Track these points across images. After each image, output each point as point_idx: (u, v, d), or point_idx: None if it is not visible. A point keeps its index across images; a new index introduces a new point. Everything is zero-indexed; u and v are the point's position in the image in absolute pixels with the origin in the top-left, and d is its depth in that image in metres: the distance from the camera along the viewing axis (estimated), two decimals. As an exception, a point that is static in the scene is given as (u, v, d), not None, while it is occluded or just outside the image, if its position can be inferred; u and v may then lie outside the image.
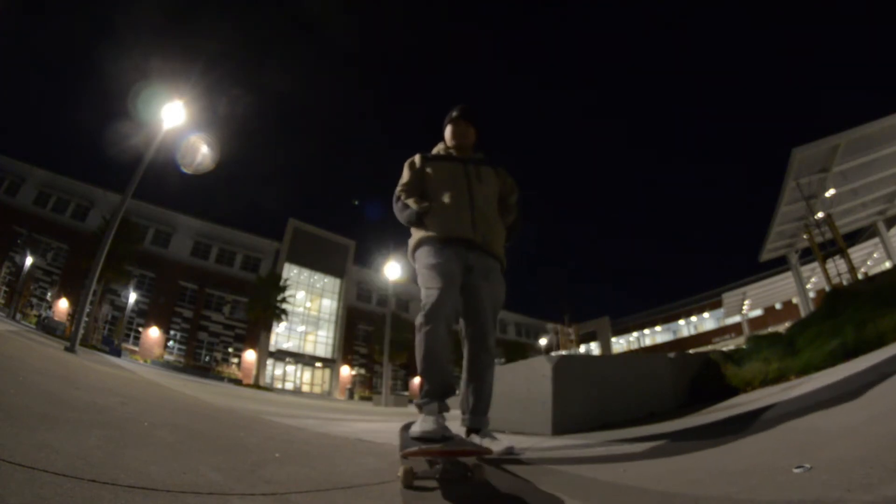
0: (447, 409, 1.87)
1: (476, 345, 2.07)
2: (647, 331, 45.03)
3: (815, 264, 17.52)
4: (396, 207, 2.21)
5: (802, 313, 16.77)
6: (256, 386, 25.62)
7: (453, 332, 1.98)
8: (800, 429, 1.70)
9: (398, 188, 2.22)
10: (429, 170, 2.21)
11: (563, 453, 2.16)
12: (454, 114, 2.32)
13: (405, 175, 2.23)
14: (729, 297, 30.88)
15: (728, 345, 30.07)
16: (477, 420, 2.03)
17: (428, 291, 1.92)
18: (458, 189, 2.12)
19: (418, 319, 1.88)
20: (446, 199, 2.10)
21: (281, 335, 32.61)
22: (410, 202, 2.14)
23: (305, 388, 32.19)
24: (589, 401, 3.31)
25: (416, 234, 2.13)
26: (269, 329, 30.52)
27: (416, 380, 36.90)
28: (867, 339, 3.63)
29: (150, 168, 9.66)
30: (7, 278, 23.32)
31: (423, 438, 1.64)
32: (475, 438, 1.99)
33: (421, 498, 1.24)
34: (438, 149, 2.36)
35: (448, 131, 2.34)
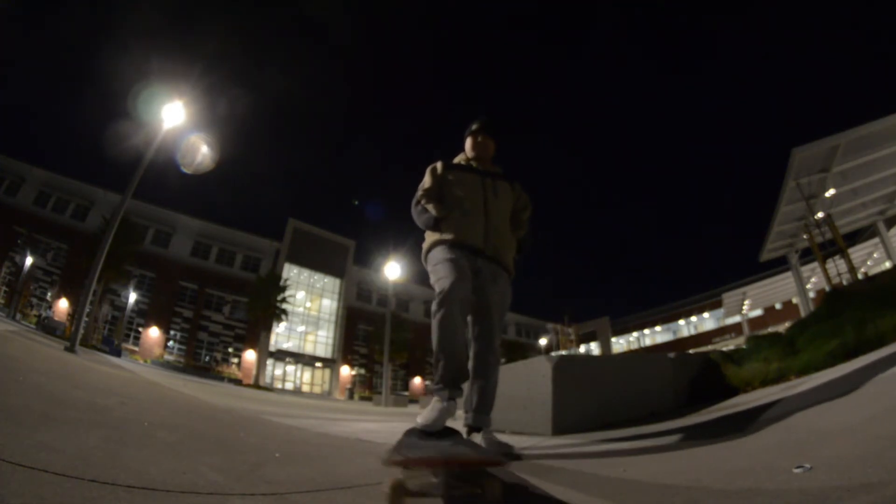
0: (461, 394, 1.91)
1: (483, 345, 2.11)
2: (647, 331, 45.01)
3: (815, 264, 17.52)
4: (415, 210, 2.29)
5: (802, 313, 16.77)
6: (256, 386, 25.61)
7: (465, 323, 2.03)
8: (800, 428, 1.70)
9: (419, 192, 2.29)
10: (449, 177, 2.29)
11: (563, 453, 2.16)
12: (474, 126, 2.41)
13: (427, 180, 2.31)
14: (729, 297, 30.89)
15: (728, 345, 30.08)
16: (479, 419, 2.04)
17: (441, 281, 1.97)
18: (474, 200, 2.20)
19: (433, 307, 1.94)
20: (463, 208, 2.18)
21: (281, 335, 32.60)
22: (430, 207, 2.22)
23: (305, 388, 32.18)
24: (589, 401, 3.31)
25: (431, 238, 2.20)
26: (269, 329, 30.51)
27: (417, 380, 36.89)
28: (867, 339, 3.63)
29: (150, 168, 9.66)
30: (7, 278, 23.31)
31: (424, 431, 1.64)
32: (476, 437, 1.99)
33: (421, 497, 1.24)
34: (459, 158, 2.45)
35: (468, 143, 2.43)
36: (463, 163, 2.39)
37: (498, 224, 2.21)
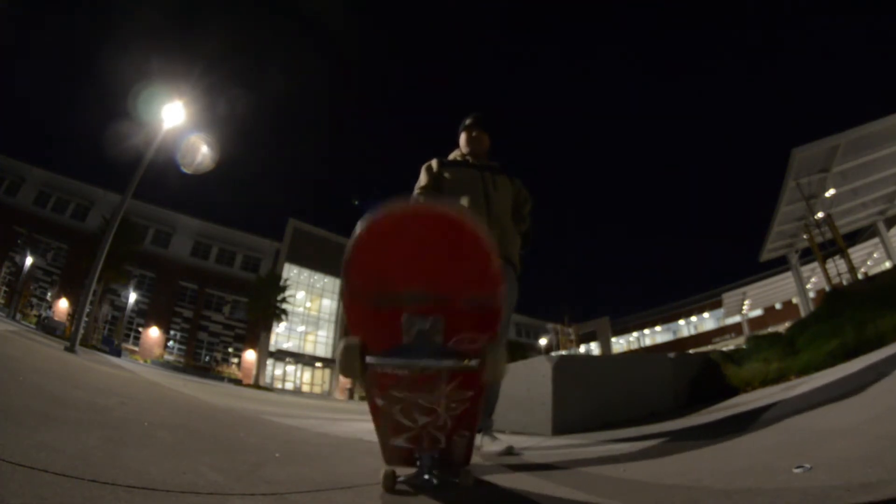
0: None
1: None
2: (647, 331, 44.98)
3: (815, 264, 17.51)
4: None
5: (802, 313, 16.76)
6: (256, 386, 25.61)
7: None
8: (800, 429, 1.70)
9: (416, 191, 2.25)
10: (446, 174, 2.25)
11: (563, 453, 2.16)
12: (468, 122, 2.39)
13: (422, 179, 2.26)
14: (729, 297, 30.89)
15: (728, 345, 30.06)
16: (481, 420, 2.03)
17: None
18: (474, 195, 2.16)
19: None
20: (463, 203, 2.14)
21: (281, 335, 32.60)
22: None
23: (305, 388, 32.18)
24: (589, 401, 3.31)
25: None
26: (269, 329, 30.50)
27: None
28: (867, 340, 3.63)
29: (150, 168, 9.66)
30: (7, 278, 23.31)
31: None
32: (475, 438, 1.99)
33: (421, 497, 1.24)
34: (454, 155, 2.41)
35: (462, 139, 2.40)
36: (459, 158, 2.37)
37: (500, 218, 2.18)
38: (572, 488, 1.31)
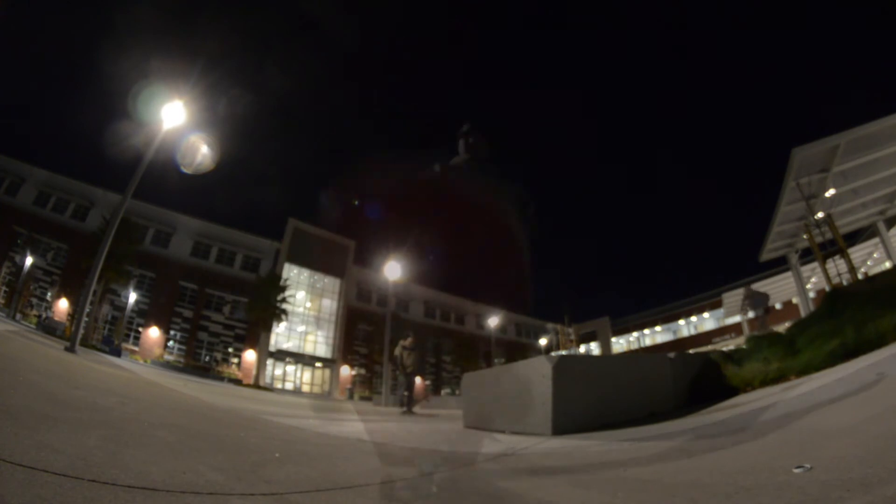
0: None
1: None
2: (647, 331, 44.98)
3: (815, 264, 17.52)
4: None
5: (802, 313, 16.77)
6: (256, 386, 25.61)
7: None
8: (800, 429, 1.70)
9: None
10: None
11: (562, 453, 2.16)
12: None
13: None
14: (729, 297, 30.90)
15: (728, 345, 30.05)
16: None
17: None
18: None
19: None
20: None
21: (281, 335, 32.57)
22: None
23: (305, 388, 32.19)
24: (589, 401, 3.31)
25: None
26: (269, 329, 30.46)
27: (417, 380, 36.88)
28: (867, 339, 3.63)
29: (150, 168, 9.66)
30: (7, 278, 23.32)
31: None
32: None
33: (421, 497, 1.24)
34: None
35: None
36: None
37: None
38: (571, 489, 1.31)
